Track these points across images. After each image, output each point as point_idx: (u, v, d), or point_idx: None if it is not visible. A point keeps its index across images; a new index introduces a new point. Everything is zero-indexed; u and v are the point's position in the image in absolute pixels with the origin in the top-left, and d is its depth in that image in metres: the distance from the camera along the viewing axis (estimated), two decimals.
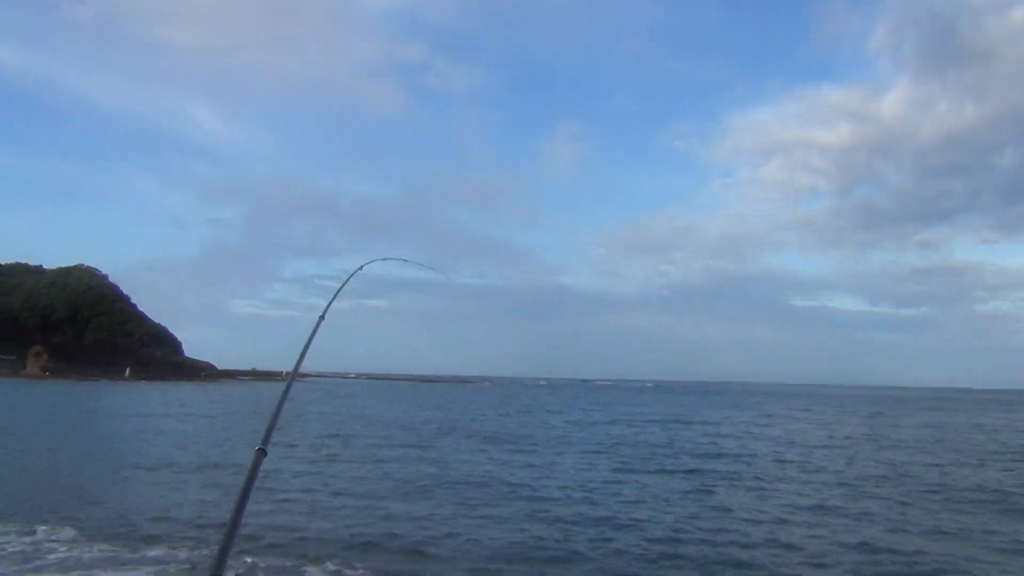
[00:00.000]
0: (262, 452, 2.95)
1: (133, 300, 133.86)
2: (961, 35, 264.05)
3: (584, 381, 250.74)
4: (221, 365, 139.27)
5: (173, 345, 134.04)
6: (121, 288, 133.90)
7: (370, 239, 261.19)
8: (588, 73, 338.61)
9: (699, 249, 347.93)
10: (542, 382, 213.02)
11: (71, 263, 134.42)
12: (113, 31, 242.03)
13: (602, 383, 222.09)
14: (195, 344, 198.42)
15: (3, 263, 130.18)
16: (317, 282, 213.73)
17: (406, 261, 7.37)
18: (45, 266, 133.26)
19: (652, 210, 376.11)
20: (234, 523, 2.23)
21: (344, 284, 5.56)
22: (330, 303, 4.85)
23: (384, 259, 6.69)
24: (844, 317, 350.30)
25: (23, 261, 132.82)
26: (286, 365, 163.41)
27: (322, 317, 4.55)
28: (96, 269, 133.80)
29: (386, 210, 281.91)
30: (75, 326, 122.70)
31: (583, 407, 68.31)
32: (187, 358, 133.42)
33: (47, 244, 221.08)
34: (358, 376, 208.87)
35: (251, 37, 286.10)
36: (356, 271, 5.94)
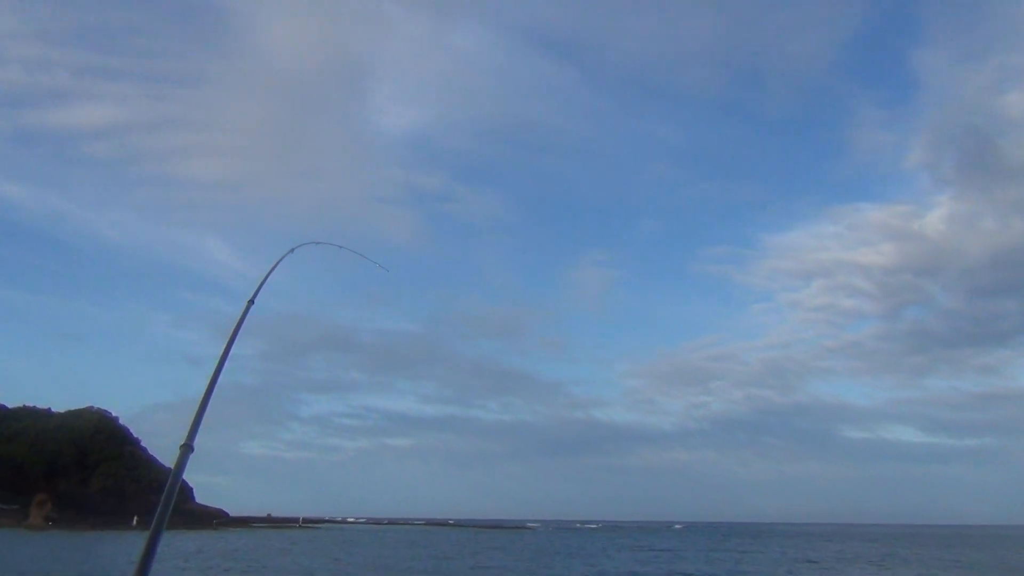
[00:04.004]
0: (188, 448, 3.29)
1: (143, 443, 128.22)
2: (1002, 149, 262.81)
3: (616, 524, 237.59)
4: (234, 511, 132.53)
5: (184, 491, 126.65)
6: (131, 431, 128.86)
7: (390, 374, 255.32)
8: (612, 198, 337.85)
9: (740, 378, 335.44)
10: (592, 525, 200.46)
11: (80, 405, 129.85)
12: (127, 167, 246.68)
13: (633, 524, 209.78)
14: (207, 489, 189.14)
15: (9, 407, 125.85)
16: (336, 421, 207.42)
17: (341, 247, 7.21)
18: (54, 409, 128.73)
19: (687, 338, 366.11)
20: (164, 511, 2.55)
21: (275, 265, 5.67)
22: (261, 284, 5.08)
23: (317, 243, 6.80)
24: (900, 449, 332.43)
25: (31, 404, 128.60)
26: (303, 511, 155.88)
27: (251, 301, 4.72)
28: (106, 411, 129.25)
29: (406, 343, 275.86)
30: (82, 472, 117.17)
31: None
32: (198, 505, 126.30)
33: (56, 386, 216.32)
34: (371, 522, 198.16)
35: (267, 170, 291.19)
36: (287, 253, 6.06)
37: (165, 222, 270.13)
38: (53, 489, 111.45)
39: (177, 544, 69.05)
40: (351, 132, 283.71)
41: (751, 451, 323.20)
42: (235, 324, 4.06)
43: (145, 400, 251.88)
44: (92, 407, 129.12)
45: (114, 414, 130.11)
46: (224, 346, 3.79)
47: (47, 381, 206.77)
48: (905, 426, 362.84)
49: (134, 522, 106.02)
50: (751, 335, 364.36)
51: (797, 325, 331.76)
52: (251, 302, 4.55)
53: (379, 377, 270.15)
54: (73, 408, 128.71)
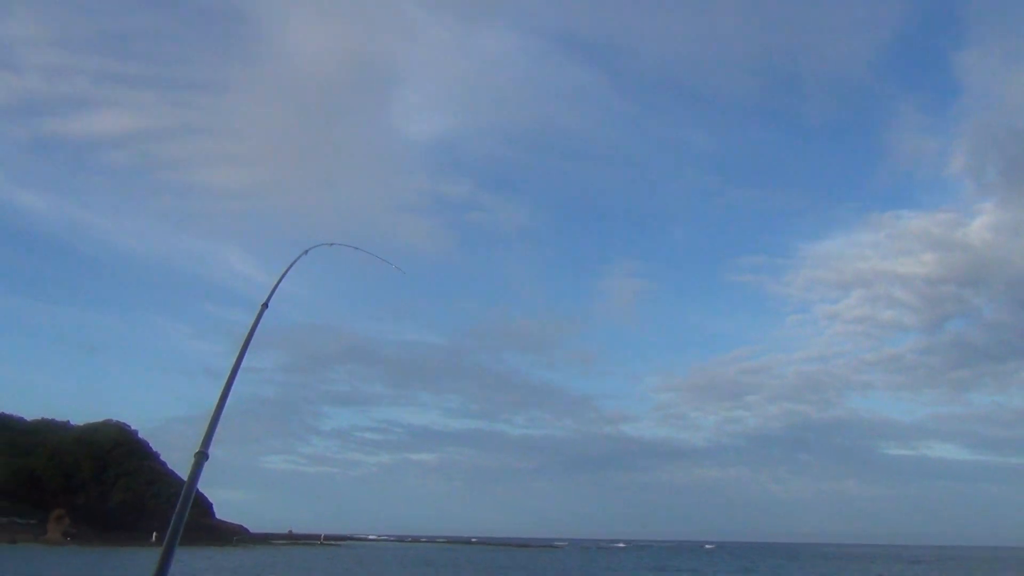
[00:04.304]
0: (203, 455, 3.44)
1: (162, 457, 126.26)
2: None
3: (649, 543, 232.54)
4: (255, 528, 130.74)
5: (203, 507, 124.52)
6: (150, 444, 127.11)
7: (414, 387, 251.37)
8: (643, 206, 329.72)
9: (776, 393, 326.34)
10: (620, 544, 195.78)
11: (99, 418, 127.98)
12: (146, 175, 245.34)
13: (663, 543, 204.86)
14: (227, 505, 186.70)
15: (28, 419, 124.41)
16: (357, 435, 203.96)
17: (357, 248, 7.28)
18: (72, 422, 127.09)
19: (720, 351, 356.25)
20: (178, 520, 2.85)
21: (288, 268, 5.75)
22: (275, 288, 5.19)
23: (331, 244, 6.89)
24: (943, 467, 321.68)
25: (49, 417, 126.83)
26: (324, 527, 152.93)
27: (265, 305, 4.84)
28: (125, 424, 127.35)
29: (430, 356, 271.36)
30: (100, 486, 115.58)
31: None
32: (219, 521, 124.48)
33: (74, 398, 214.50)
34: (395, 539, 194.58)
35: (288, 177, 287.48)
36: (301, 255, 6.09)
37: (184, 231, 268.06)
38: (71, 503, 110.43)
39: (196, 562, 66.44)
40: (374, 139, 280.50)
41: (786, 468, 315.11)
42: (248, 329, 4.21)
43: (164, 413, 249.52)
44: (111, 420, 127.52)
45: (133, 427, 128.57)
46: (238, 352, 3.90)
47: (65, 393, 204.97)
48: (948, 443, 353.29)
49: (153, 538, 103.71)
50: (787, 348, 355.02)
51: (835, 337, 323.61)
52: (265, 306, 4.65)
53: (402, 390, 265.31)
54: (92, 421, 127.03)
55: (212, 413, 3.24)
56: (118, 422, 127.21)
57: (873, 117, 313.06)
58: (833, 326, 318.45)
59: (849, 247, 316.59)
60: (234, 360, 3.94)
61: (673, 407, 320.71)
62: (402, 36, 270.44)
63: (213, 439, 2.97)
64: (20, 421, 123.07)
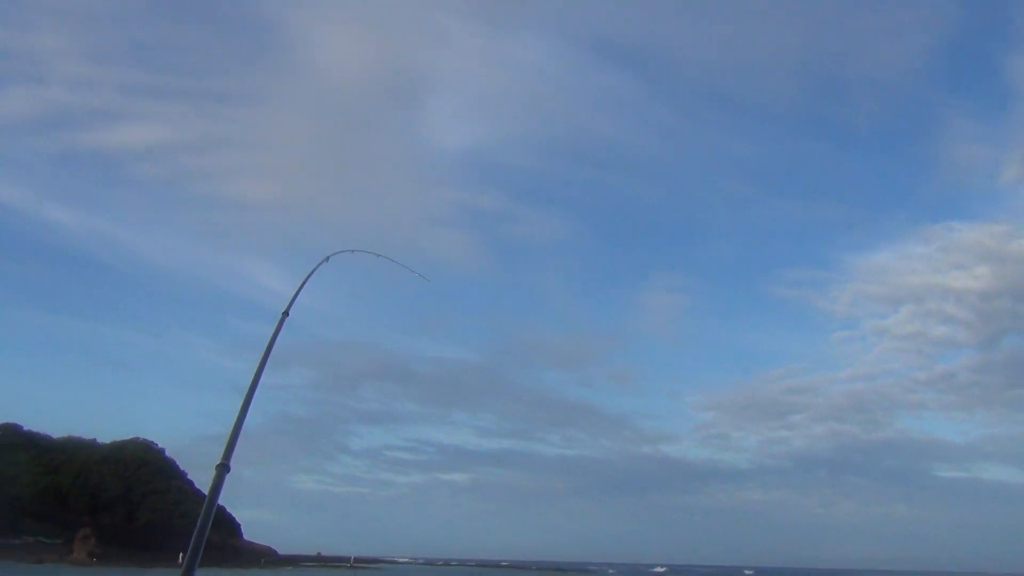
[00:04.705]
0: (224, 467, 3.42)
1: (190, 476, 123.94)
2: None
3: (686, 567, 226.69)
4: (283, 549, 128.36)
5: (231, 527, 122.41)
6: (178, 463, 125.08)
7: (446, 405, 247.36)
8: (683, 218, 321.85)
9: (821, 412, 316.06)
10: (660, 569, 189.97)
11: (126, 436, 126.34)
12: (175, 188, 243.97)
13: (703, 568, 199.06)
14: (255, 525, 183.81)
15: (54, 437, 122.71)
16: (387, 454, 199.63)
17: (379, 256, 7.37)
18: (99, 440, 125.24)
19: (764, 368, 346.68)
20: (200, 534, 2.71)
21: (309, 275, 5.93)
22: (295, 296, 5.31)
23: (352, 251, 6.93)
24: (999, 490, 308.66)
25: (76, 435, 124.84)
26: (354, 549, 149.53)
27: (286, 313, 4.93)
28: (153, 442, 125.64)
29: (463, 373, 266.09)
30: (127, 506, 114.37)
31: None
32: (246, 542, 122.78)
33: (102, 415, 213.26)
34: (426, 562, 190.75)
35: (318, 190, 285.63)
36: (322, 262, 6.22)
37: (213, 245, 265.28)
38: (97, 523, 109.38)
39: None
40: (405, 150, 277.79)
41: (833, 491, 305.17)
42: (269, 339, 4.23)
43: (192, 431, 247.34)
44: (138, 438, 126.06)
45: (160, 445, 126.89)
46: (259, 361, 3.94)
47: (93, 410, 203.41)
48: (1004, 465, 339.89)
49: (180, 559, 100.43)
50: (833, 366, 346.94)
51: (884, 355, 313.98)
52: (285, 314, 4.67)
53: (434, 408, 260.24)
54: (118, 439, 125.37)
55: (233, 424, 3.25)
56: (145, 440, 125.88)
57: (922, 124, 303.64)
58: (882, 343, 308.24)
59: (898, 260, 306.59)
60: (255, 370, 3.98)
61: (714, 427, 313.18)
62: (433, 45, 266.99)
63: (235, 451, 3.00)
64: (47, 438, 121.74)
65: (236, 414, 3.77)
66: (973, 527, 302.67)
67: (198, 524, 3.08)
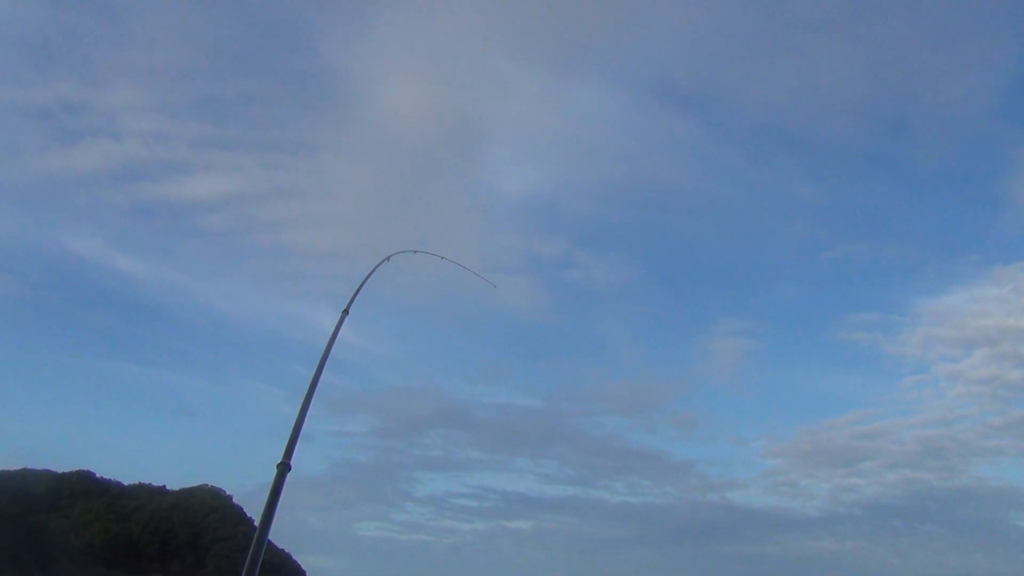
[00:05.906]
0: (285, 466, 3.96)
1: (256, 524, 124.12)
2: None
3: None
4: None
5: (297, 573, 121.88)
6: (245, 510, 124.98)
7: (509, 452, 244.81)
8: (747, 262, 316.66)
9: (894, 459, 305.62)
10: None
11: (195, 483, 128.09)
12: (241, 237, 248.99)
13: None
14: (320, 572, 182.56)
15: (125, 484, 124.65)
16: (452, 501, 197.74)
17: (443, 258, 7.43)
18: (168, 486, 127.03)
19: (832, 414, 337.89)
20: (262, 534, 3.29)
21: (370, 274, 6.08)
22: (356, 294, 5.50)
23: (414, 251, 6.95)
24: None
25: (146, 482, 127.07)
26: None
27: (346, 311, 5.16)
28: (220, 489, 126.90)
29: (526, 419, 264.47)
30: (195, 552, 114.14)
31: None
32: None
33: (171, 463, 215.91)
34: None
35: (380, 238, 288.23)
36: (382, 261, 6.29)
37: (279, 294, 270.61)
38: (168, 570, 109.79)
39: None
40: (467, 197, 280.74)
41: (908, 540, 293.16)
42: (328, 339, 4.38)
43: (259, 478, 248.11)
44: (206, 484, 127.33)
45: (228, 492, 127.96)
46: (320, 360, 4.14)
47: (162, 457, 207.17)
48: None
49: None
50: (905, 411, 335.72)
51: (957, 400, 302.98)
52: (346, 312, 4.85)
53: (497, 455, 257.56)
54: (187, 486, 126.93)
55: (294, 424, 3.40)
56: (213, 487, 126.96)
57: (992, 164, 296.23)
58: (955, 387, 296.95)
59: (970, 303, 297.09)
60: (315, 370, 4.16)
61: (782, 474, 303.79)
62: (493, 92, 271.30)
63: (295, 450, 3.10)
64: (117, 485, 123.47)
65: (296, 414, 3.66)
66: None
67: (260, 524, 2.68)
